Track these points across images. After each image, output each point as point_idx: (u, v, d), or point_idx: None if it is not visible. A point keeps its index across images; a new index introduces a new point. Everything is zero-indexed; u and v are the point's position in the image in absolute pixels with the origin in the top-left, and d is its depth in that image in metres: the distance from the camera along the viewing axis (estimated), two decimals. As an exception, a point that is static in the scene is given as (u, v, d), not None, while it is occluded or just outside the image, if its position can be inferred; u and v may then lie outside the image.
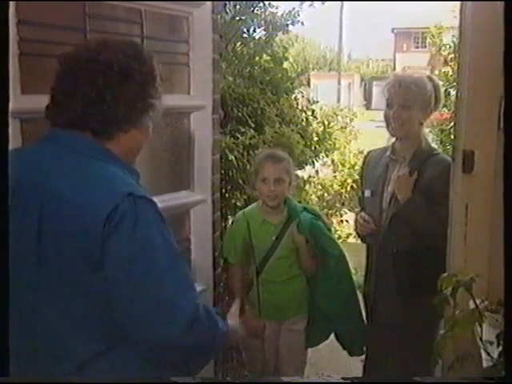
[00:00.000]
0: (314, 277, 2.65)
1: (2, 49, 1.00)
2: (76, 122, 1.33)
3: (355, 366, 3.07)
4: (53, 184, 1.28)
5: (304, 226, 2.58)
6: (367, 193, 2.59)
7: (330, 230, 2.79)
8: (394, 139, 2.55)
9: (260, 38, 5.37)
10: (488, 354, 1.29)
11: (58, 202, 1.25)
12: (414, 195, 2.35)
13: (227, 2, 4.88)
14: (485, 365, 1.30)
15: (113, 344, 1.31)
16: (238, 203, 3.57)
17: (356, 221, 2.66)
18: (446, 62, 6.67)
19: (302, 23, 5.80)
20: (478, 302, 1.32)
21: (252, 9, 5.34)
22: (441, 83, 2.60)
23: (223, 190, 3.37)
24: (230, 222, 3.88)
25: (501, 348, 1.24)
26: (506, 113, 1.06)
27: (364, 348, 2.69)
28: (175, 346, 1.29)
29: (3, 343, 0.97)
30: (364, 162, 2.80)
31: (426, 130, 2.53)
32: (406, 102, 2.40)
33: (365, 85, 33.49)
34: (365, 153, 2.99)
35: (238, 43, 5.15)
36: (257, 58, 5.11)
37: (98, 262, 1.24)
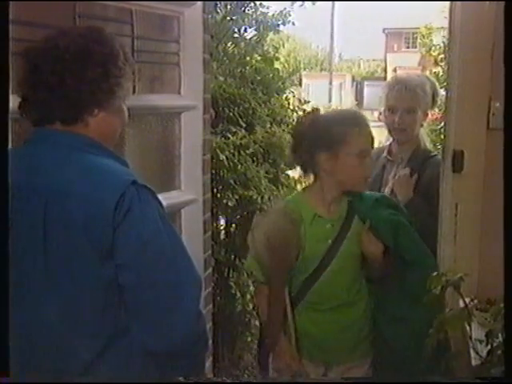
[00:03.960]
0: (382, 295, 1.94)
1: (1, 49, 1.00)
2: (44, 114, 1.33)
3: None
4: (54, 183, 1.29)
5: (384, 231, 1.83)
6: None
7: (411, 222, 1.94)
8: (390, 140, 2.53)
9: (251, 37, 5.37)
10: (477, 352, 1.30)
11: (62, 199, 1.26)
12: (414, 196, 2.31)
13: (218, 2, 4.88)
14: (474, 363, 1.31)
15: (117, 337, 1.32)
16: (230, 203, 3.56)
17: None
18: (436, 63, 6.70)
19: (293, 23, 5.81)
20: (467, 300, 1.33)
21: (243, 9, 5.34)
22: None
23: (214, 190, 3.37)
24: (221, 222, 3.88)
25: (489, 347, 1.25)
26: (506, 113, 1.07)
27: None
28: (190, 331, 1.33)
29: (3, 343, 0.97)
30: None
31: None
32: (411, 106, 2.37)
33: (356, 85, 33.52)
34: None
35: (229, 43, 5.15)
36: (248, 58, 5.11)
37: (108, 250, 1.26)
